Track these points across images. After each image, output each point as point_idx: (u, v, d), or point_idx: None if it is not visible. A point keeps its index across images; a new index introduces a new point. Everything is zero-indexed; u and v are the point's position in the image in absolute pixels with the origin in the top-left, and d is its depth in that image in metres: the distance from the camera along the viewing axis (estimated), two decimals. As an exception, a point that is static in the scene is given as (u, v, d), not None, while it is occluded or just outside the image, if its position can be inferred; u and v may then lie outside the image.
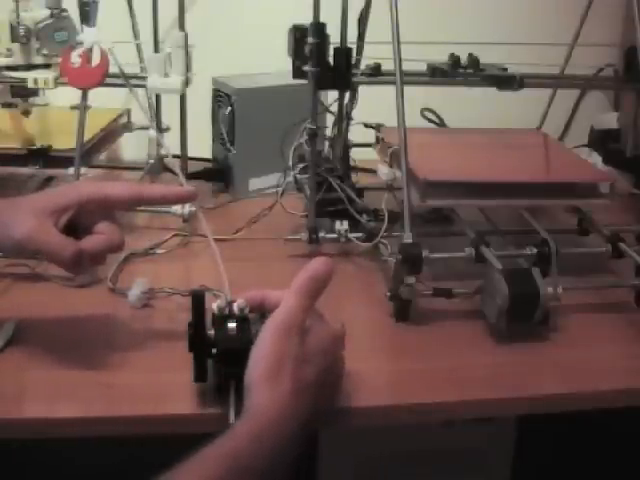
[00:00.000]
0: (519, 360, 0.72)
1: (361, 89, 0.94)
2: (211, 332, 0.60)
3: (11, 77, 0.92)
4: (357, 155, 1.03)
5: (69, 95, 0.94)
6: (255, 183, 1.13)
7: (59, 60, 0.90)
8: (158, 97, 1.13)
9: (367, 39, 0.96)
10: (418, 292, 0.76)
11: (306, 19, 0.85)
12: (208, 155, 1.17)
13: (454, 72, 0.93)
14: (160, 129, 1.12)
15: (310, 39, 0.85)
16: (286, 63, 0.89)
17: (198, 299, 0.60)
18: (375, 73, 0.92)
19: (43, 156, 0.98)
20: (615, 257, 0.84)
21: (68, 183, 0.90)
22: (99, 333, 0.75)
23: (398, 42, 0.79)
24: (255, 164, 1.12)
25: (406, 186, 0.77)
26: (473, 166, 0.92)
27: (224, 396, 0.60)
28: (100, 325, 0.76)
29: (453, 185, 0.83)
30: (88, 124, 0.93)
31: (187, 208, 0.96)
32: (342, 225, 0.91)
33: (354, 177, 1.02)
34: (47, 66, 0.92)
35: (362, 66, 0.94)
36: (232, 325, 0.60)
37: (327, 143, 1.01)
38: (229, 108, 1.09)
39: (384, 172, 0.88)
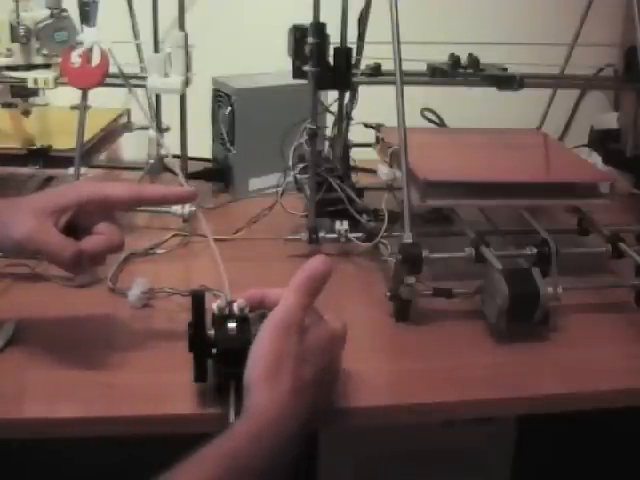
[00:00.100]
0: (519, 360, 0.72)
1: (361, 89, 0.94)
2: (211, 332, 0.60)
3: (11, 77, 0.92)
4: (357, 155, 1.03)
5: (69, 95, 0.94)
6: (255, 183, 1.13)
7: (59, 60, 0.90)
8: (158, 97, 1.13)
9: (367, 39, 0.96)
10: (418, 292, 0.76)
11: (306, 19, 0.85)
12: (208, 155, 1.17)
13: (454, 72, 0.93)
14: (160, 129, 1.12)
15: (310, 39, 0.85)
16: (286, 63, 0.89)
17: (198, 299, 0.60)
18: (375, 73, 0.92)
19: (43, 156, 0.98)
20: (615, 257, 0.84)
21: (68, 183, 0.89)
22: (99, 333, 0.75)
23: (398, 42, 0.79)
24: (255, 164, 1.12)
25: (406, 186, 0.77)
26: (473, 166, 0.92)
27: (224, 396, 0.60)
28: (100, 325, 0.76)
29: (453, 185, 0.83)
30: (88, 124, 0.93)
31: (187, 208, 0.96)
32: (342, 225, 0.91)
33: (354, 177, 1.02)
34: (47, 66, 0.92)
35: (362, 66, 0.94)
36: (232, 325, 0.60)
37: (327, 143, 1.01)
38: (229, 108, 1.09)
39: (384, 172, 0.88)
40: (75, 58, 0.88)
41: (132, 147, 1.26)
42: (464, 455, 0.81)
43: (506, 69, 0.95)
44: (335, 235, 0.91)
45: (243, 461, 0.52)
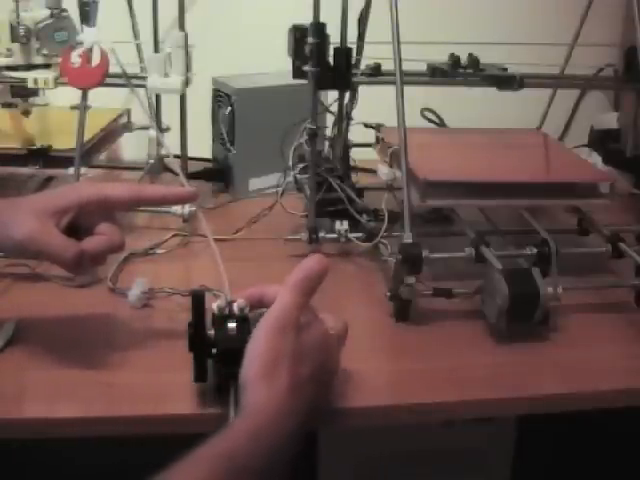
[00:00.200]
0: (519, 360, 0.72)
1: (361, 89, 0.94)
2: (211, 332, 0.60)
3: (11, 77, 0.92)
4: (357, 155, 1.03)
5: (69, 95, 0.94)
6: (255, 183, 1.13)
7: (59, 60, 0.90)
8: (158, 97, 1.13)
9: (367, 39, 0.96)
10: (418, 292, 0.76)
11: (306, 19, 0.85)
12: (208, 155, 1.17)
13: (454, 72, 0.93)
14: (160, 129, 1.12)
15: (310, 39, 0.85)
16: (286, 63, 0.89)
17: (198, 299, 0.60)
18: (375, 73, 0.92)
19: (43, 156, 0.98)
20: (615, 257, 0.84)
21: (68, 184, 0.90)
22: (99, 333, 0.75)
23: (398, 42, 0.79)
24: (255, 164, 1.12)
25: (406, 186, 0.77)
26: (473, 166, 0.92)
27: (224, 396, 0.61)
28: (100, 325, 0.76)
29: (453, 185, 0.83)
30: (88, 124, 0.93)
31: (187, 208, 0.96)
32: (342, 225, 0.91)
33: (354, 177, 1.02)
34: (47, 66, 0.92)
35: (362, 66, 0.94)
36: (232, 325, 0.60)
37: (327, 143, 1.01)
38: (229, 108, 1.09)
39: (384, 172, 0.88)
40: (75, 58, 0.88)
41: (132, 147, 1.26)
42: (464, 455, 0.81)
43: (506, 69, 0.95)
44: (335, 235, 0.91)
45: (240, 460, 0.52)
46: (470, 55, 0.93)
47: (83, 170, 0.93)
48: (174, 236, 0.96)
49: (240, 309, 0.61)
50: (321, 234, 0.91)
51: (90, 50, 0.88)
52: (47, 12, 0.91)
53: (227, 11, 1.25)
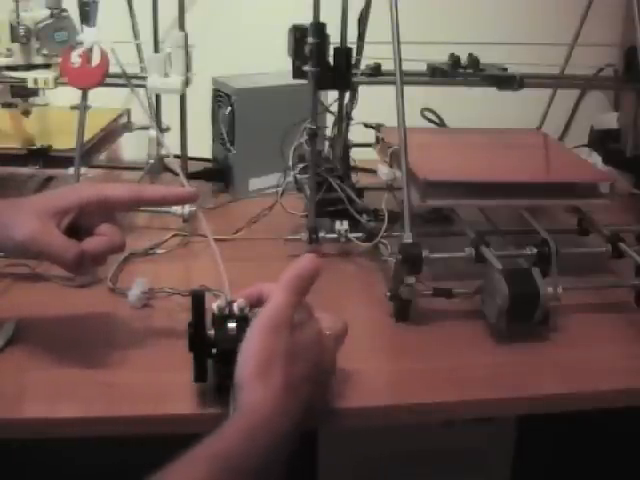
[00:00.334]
0: (519, 360, 0.72)
1: (361, 89, 0.94)
2: (211, 332, 0.60)
3: (11, 77, 0.92)
4: (357, 155, 1.03)
5: (69, 95, 0.94)
6: (255, 183, 1.13)
7: (59, 60, 0.90)
8: (158, 97, 1.13)
9: (367, 39, 0.96)
10: (418, 292, 0.76)
11: (306, 19, 0.85)
12: (208, 155, 1.17)
13: (454, 72, 0.93)
14: (160, 129, 1.12)
15: (310, 39, 0.85)
16: (286, 63, 0.89)
17: (198, 299, 0.60)
18: (375, 73, 0.92)
19: (43, 156, 0.98)
20: (615, 257, 0.84)
21: (68, 184, 0.90)
22: (99, 333, 0.75)
23: (398, 42, 0.79)
24: (255, 164, 1.12)
25: (406, 186, 0.77)
26: (473, 166, 0.92)
27: (224, 396, 0.60)
28: (100, 325, 0.76)
29: (453, 185, 0.83)
30: (88, 124, 0.93)
31: (187, 208, 0.96)
32: (342, 225, 0.91)
33: (354, 177, 1.02)
34: (47, 66, 0.92)
35: (362, 66, 0.94)
36: (232, 325, 0.60)
37: (327, 143, 1.01)
38: (229, 108, 1.09)
39: (384, 172, 0.88)
40: (75, 58, 0.88)
41: (132, 147, 1.26)
42: (464, 455, 0.81)
43: (506, 69, 0.95)
44: (335, 235, 0.91)
45: (236, 460, 0.52)
46: (470, 55, 0.93)
47: (83, 170, 0.93)
48: (174, 236, 0.96)
49: (240, 309, 0.61)
50: (321, 234, 0.91)
51: (90, 50, 0.88)
52: (47, 12, 0.91)
53: (227, 11, 1.25)
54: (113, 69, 0.89)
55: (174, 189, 0.70)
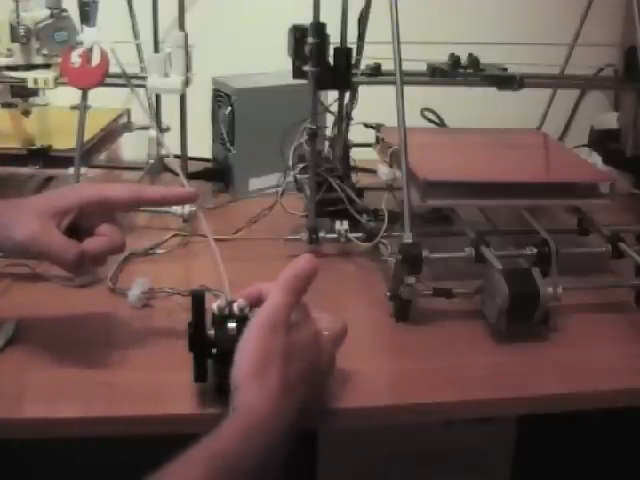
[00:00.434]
0: (519, 360, 0.72)
1: (361, 89, 0.94)
2: (211, 332, 0.60)
3: (11, 77, 0.92)
4: (357, 155, 1.03)
5: (69, 95, 0.94)
6: (255, 183, 1.13)
7: (59, 60, 0.90)
8: (158, 97, 1.13)
9: (367, 39, 0.96)
10: (418, 292, 0.76)
11: (306, 19, 0.85)
12: (208, 155, 1.17)
13: (454, 72, 0.93)
14: (160, 129, 1.12)
15: (310, 39, 0.85)
16: (286, 63, 0.89)
17: (198, 299, 0.60)
18: (375, 73, 0.92)
19: (43, 156, 0.98)
20: (615, 257, 0.84)
21: (68, 184, 0.90)
22: (99, 333, 0.75)
23: (398, 42, 0.79)
24: (255, 164, 1.12)
25: (406, 186, 0.77)
26: (473, 166, 0.92)
27: (224, 396, 0.60)
28: (100, 325, 0.76)
29: (453, 185, 0.83)
30: (88, 124, 0.93)
31: (187, 208, 0.96)
32: (342, 225, 0.91)
33: (354, 177, 1.02)
34: (47, 66, 0.92)
35: (362, 66, 0.94)
36: (232, 325, 0.60)
37: (327, 143, 1.01)
38: (229, 108, 1.09)
39: (384, 172, 0.88)
40: (75, 58, 0.88)
41: (132, 147, 1.26)
42: (464, 455, 0.81)
43: (506, 69, 0.95)
44: (335, 235, 0.91)
45: (233, 460, 0.52)
46: (470, 55, 0.93)
47: (83, 170, 0.93)
48: (174, 236, 0.96)
49: (240, 309, 0.61)
50: (321, 234, 0.91)
51: (90, 50, 0.88)
52: (47, 12, 0.91)
53: (227, 11, 1.25)
54: (113, 69, 0.89)
55: (174, 189, 0.70)
